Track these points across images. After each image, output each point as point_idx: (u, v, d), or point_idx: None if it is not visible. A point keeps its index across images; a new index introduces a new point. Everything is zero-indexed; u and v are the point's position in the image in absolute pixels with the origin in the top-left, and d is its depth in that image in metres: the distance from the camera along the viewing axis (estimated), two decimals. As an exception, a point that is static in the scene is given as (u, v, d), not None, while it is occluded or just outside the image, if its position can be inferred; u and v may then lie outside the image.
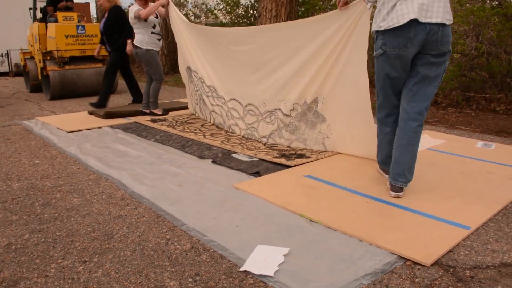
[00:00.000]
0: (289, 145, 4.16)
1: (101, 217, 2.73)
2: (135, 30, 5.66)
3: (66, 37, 7.97)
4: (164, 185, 3.23)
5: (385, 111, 3.03)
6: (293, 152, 3.95)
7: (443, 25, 2.61)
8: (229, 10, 11.47)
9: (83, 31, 8.22)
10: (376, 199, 2.89)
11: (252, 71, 4.40)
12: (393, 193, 2.90)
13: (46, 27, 8.21)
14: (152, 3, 5.58)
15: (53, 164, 3.90)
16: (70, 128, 5.23)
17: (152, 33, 5.64)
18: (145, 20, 5.48)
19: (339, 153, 3.96)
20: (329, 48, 3.71)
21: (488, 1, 6.32)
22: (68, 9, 8.54)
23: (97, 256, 2.24)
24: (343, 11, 3.52)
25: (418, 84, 2.78)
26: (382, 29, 2.71)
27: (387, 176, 3.14)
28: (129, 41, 6.20)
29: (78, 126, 5.30)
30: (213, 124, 5.23)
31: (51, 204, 2.95)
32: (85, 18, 9.44)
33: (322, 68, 3.79)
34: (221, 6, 11.87)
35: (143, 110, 5.99)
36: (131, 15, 5.56)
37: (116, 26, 6.29)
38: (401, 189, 2.89)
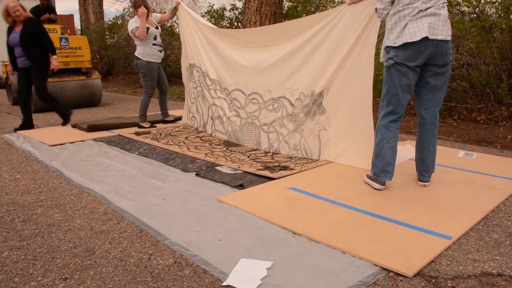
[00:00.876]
0: (285, 138, 4.31)
1: (82, 233, 2.69)
2: (136, 42, 5.70)
3: (49, 49, 7.90)
4: (147, 199, 3.21)
5: (392, 117, 3.26)
6: (277, 164, 3.96)
7: (446, 40, 3.06)
8: (213, 22, 11.53)
9: (67, 44, 8.17)
10: (359, 210, 2.91)
11: (262, 60, 4.51)
12: (421, 183, 3.44)
13: (29, 40, 8.12)
14: (152, 13, 5.75)
15: (35, 178, 3.84)
16: (52, 141, 5.17)
17: (154, 44, 5.68)
18: (146, 31, 5.53)
19: (323, 164, 3.98)
20: (340, 43, 3.83)
21: (467, 14, 6.46)
22: (51, 21, 8.50)
23: (78, 272, 2.21)
24: (356, 9, 3.68)
25: (429, 93, 3.24)
26: (397, 45, 3.09)
27: (379, 186, 3.33)
28: (54, 56, 6.06)
29: (61, 140, 5.24)
30: (210, 120, 5.28)
31: (32, 220, 2.91)
32: (68, 31, 9.40)
33: (332, 61, 3.91)
34: (205, 19, 11.92)
35: (164, 119, 6.24)
36: (129, 30, 5.62)
37: (34, 40, 5.78)
38: (428, 181, 3.43)
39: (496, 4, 6.03)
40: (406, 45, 3.05)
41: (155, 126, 6.01)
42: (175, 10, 5.83)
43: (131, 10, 13.12)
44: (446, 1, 3.25)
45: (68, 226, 2.79)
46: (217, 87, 5.15)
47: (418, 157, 3.41)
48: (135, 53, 5.73)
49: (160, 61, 5.85)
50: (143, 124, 5.93)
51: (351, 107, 3.87)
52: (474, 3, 6.17)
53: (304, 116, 4.16)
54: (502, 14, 5.97)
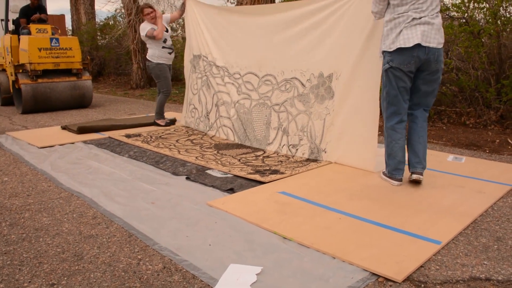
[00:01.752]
0: (295, 118, 4.48)
1: (71, 237, 2.67)
2: (147, 45, 5.95)
3: (39, 49, 7.85)
4: (137, 203, 3.19)
5: (396, 118, 3.49)
6: (268, 168, 3.96)
7: (438, 48, 3.26)
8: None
9: (57, 44, 8.11)
10: (349, 215, 2.91)
11: (275, 43, 4.68)
12: (415, 176, 3.50)
13: (19, 39, 8.06)
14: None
15: (23, 181, 3.80)
16: (42, 143, 5.12)
17: (163, 47, 5.88)
18: None
19: (314, 168, 3.99)
20: (350, 29, 3.96)
21: (456, 19, 6.52)
22: (42, 21, 8.43)
23: (65, 278, 2.19)
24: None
25: (421, 97, 3.49)
26: (391, 50, 3.28)
27: (396, 182, 3.55)
28: None
29: (50, 142, 5.20)
30: (216, 106, 5.45)
31: (19, 224, 2.87)
32: (59, 31, 9.32)
33: (342, 46, 4.05)
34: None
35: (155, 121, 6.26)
36: (142, 34, 5.79)
37: None
38: (421, 173, 3.50)
39: (484, 9, 6.08)
40: (400, 50, 3.24)
41: (173, 123, 6.22)
42: (183, 7, 5.96)
43: (123, 11, 13.07)
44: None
45: (56, 231, 2.77)
46: (225, 73, 5.28)
47: (410, 151, 3.56)
48: (147, 56, 5.96)
49: (170, 63, 6.07)
50: (159, 122, 6.18)
51: (359, 91, 3.97)
52: (463, 8, 6.22)
53: (314, 98, 4.33)
54: (490, 20, 6.03)
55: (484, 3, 6.02)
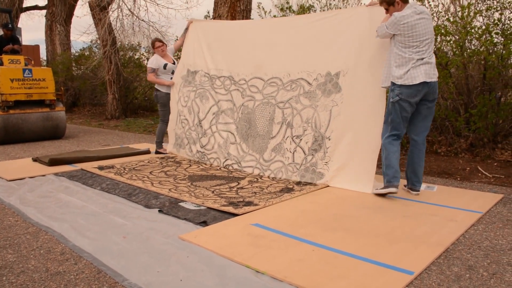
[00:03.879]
0: (300, 112, 4.78)
1: (37, 275, 2.57)
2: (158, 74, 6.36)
3: (12, 80, 7.76)
4: (107, 237, 3.11)
5: (394, 136, 4.12)
6: (241, 200, 3.94)
7: (435, 81, 4.01)
8: (180, 55, 11.58)
9: (30, 75, 8.03)
10: (322, 246, 2.90)
11: (281, 50, 5.04)
12: (414, 192, 4.24)
13: (-8, 70, 7.96)
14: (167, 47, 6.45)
15: (-11, 216, 3.68)
16: (11, 176, 4.99)
17: (171, 78, 6.31)
18: (164, 67, 6.22)
19: (287, 199, 4.00)
20: (356, 40, 4.44)
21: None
22: (15, 52, 8.36)
23: (28, 319, 2.10)
24: (374, 11, 4.31)
25: (421, 121, 4.18)
26: (399, 83, 3.96)
27: (394, 189, 4.05)
28: None
29: (20, 174, 5.07)
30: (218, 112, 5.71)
31: (-18, 262, 2.76)
32: (32, 62, 9.26)
33: (346, 49, 4.50)
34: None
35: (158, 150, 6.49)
36: (154, 67, 6.20)
37: None
38: (418, 190, 4.25)
39: (451, 42, 6.32)
40: (409, 86, 3.95)
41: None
42: (185, 31, 6.26)
43: (98, 42, 13.08)
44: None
45: (22, 268, 2.67)
46: (231, 81, 5.55)
47: (411, 171, 4.27)
48: (155, 86, 6.42)
49: None
50: (161, 150, 6.42)
51: (365, 86, 4.36)
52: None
53: (321, 93, 4.64)
54: (456, 52, 6.27)
55: (451, 36, 6.26)
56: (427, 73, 3.92)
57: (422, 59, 3.92)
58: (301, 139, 4.70)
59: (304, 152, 4.67)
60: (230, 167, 5.29)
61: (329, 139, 4.50)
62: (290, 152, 4.77)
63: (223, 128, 5.54)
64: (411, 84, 3.93)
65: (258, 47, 5.28)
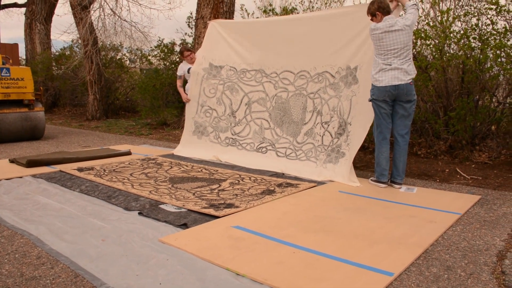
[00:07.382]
0: (327, 101, 5.41)
1: (10, 280, 2.51)
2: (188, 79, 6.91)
3: (-12, 80, 7.59)
4: (85, 240, 3.06)
5: (381, 136, 4.59)
6: (222, 202, 3.92)
7: (406, 84, 4.37)
8: (163, 56, 11.52)
9: (8, 74, 7.88)
10: (303, 248, 2.90)
11: (307, 46, 5.67)
12: (397, 186, 4.60)
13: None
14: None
15: (-37, 220, 3.58)
16: (-14, 178, 4.88)
17: None
18: (188, 71, 6.78)
19: (268, 201, 3.99)
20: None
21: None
22: (-8, 51, 8.19)
23: (2, 325, 2.05)
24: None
25: (400, 119, 4.55)
26: (372, 83, 4.50)
27: (383, 185, 4.63)
28: None
29: (-4, 176, 4.96)
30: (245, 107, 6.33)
31: (-45, 267, 2.68)
32: (10, 61, 9.08)
33: (363, 46, 5.03)
34: (155, 52, 11.91)
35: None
36: (179, 74, 6.89)
37: None
38: (400, 183, 4.61)
39: (431, 46, 6.41)
40: (378, 87, 4.43)
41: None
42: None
43: (79, 41, 12.90)
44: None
45: (-4, 273, 2.60)
46: (262, 75, 6.15)
47: (393, 165, 4.65)
48: (184, 89, 6.93)
49: None
50: None
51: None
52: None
53: (343, 85, 5.25)
54: (436, 56, 6.36)
55: (430, 40, 6.34)
56: (396, 77, 4.35)
57: (390, 65, 4.38)
58: (329, 125, 5.34)
59: (331, 135, 5.29)
60: (264, 149, 5.90)
61: (350, 124, 5.09)
62: (320, 135, 5.43)
63: (257, 116, 6.12)
64: (379, 86, 4.42)
65: (285, 43, 5.86)
